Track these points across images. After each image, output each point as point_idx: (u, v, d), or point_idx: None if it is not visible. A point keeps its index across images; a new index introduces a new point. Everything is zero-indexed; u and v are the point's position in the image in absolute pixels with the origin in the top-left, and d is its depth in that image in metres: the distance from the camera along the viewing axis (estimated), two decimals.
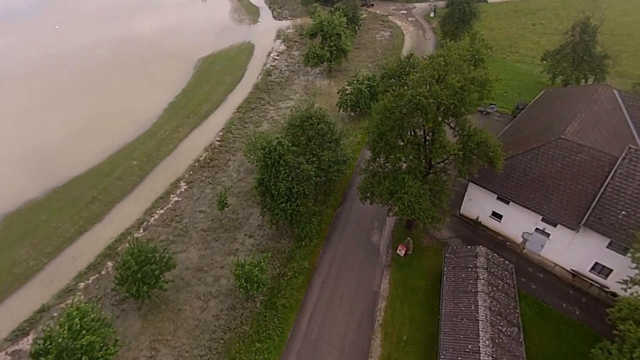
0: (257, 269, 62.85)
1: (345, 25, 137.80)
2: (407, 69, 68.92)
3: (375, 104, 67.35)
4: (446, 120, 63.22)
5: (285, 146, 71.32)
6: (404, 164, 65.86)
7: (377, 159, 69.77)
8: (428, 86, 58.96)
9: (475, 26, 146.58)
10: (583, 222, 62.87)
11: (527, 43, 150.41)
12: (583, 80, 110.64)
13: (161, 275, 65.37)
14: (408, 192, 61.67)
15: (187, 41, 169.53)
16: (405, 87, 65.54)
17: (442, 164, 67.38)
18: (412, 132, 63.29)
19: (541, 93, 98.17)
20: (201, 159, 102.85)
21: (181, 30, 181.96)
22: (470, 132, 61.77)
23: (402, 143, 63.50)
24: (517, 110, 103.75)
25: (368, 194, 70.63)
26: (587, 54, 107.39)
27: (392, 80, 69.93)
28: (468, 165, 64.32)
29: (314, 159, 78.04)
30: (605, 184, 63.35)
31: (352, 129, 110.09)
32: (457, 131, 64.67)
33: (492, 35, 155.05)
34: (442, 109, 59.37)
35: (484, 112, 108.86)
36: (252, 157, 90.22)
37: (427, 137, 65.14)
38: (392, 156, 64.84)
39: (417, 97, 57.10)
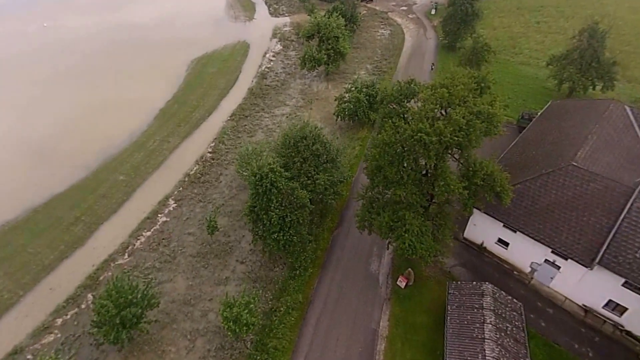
0: (246, 311, 58.03)
1: (344, 26, 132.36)
2: (408, 93, 63.81)
3: (374, 137, 62.59)
4: (450, 152, 58.37)
5: (277, 172, 66.30)
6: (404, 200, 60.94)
7: (376, 187, 65.14)
8: (430, 120, 54.25)
9: (478, 25, 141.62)
10: (597, 260, 58.23)
11: (531, 43, 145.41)
12: (590, 88, 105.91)
13: (143, 315, 60.65)
14: (409, 231, 57.13)
15: (179, 40, 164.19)
16: (405, 117, 60.94)
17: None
18: (414, 164, 57.93)
19: (548, 105, 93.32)
20: (191, 173, 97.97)
21: (173, 27, 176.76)
22: (476, 167, 56.95)
23: (402, 175, 58.50)
24: (522, 120, 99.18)
25: (366, 224, 66.03)
26: (595, 60, 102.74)
27: (392, 106, 64.95)
28: (473, 200, 59.75)
29: (309, 182, 73.40)
30: (621, 218, 58.75)
31: (349, 139, 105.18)
32: (462, 163, 59.98)
33: (495, 35, 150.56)
34: (445, 145, 54.68)
35: None
36: (244, 173, 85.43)
37: (430, 170, 60.28)
38: (391, 191, 60.19)
39: (419, 133, 52.39)
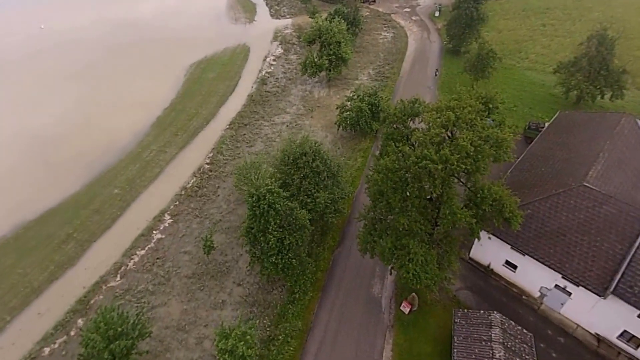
0: (242, 342, 55.04)
1: (346, 30, 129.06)
2: (412, 113, 60.95)
3: (376, 160, 59.52)
4: (456, 175, 55.15)
5: (275, 193, 63.18)
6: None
7: (378, 209, 61.94)
8: (436, 146, 51.16)
9: (482, 28, 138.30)
10: (611, 289, 55.12)
11: (537, 47, 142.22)
12: (599, 96, 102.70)
13: (134, 346, 57.58)
14: (413, 260, 54.12)
15: (178, 44, 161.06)
16: (409, 139, 57.93)
17: None
18: (418, 191, 54.37)
19: (556, 116, 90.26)
20: (188, 186, 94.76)
21: (172, 30, 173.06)
22: (484, 193, 53.63)
23: (406, 203, 55.21)
24: (529, 131, 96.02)
25: (368, 247, 62.94)
26: (604, 68, 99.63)
27: (395, 127, 62.06)
28: (481, 224, 56.58)
29: (309, 200, 70.55)
30: (637, 245, 55.70)
31: (351, 150, 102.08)
32: (469, 188, 56.79)
33: (500, 38, 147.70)
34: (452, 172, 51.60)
35: None
36: (242, 188, 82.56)
37: (435, 195, 57.02)
38: (393, 217, 57.13)
39: (423, 160, 49.30)
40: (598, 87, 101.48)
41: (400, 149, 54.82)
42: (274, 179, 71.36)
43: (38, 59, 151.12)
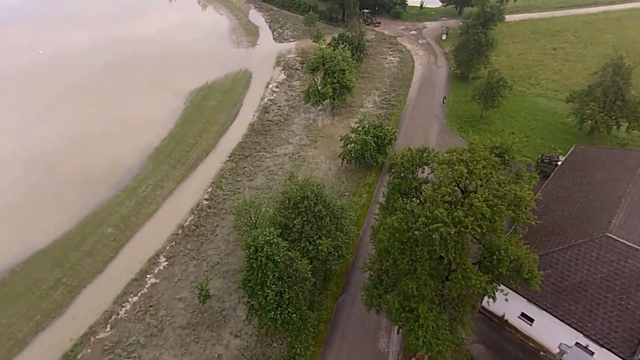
0: None
1: (350, 56, 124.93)
2: (420, 162, 56.90)
3: (382, 216, 55.13)
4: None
5: (274, 245, 58.67)
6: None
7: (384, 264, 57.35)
8: (448, 205, 46.68)
9: (492, 53, 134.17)
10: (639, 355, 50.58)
11: (548, 72, 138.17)
12: (615, 127, 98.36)
13: None
14: (422, 326, 49.55)
15: (178, 70, 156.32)
16: (418, 193, 53.70)
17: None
18: (428, 255, 49.60)
19: (571, 150, 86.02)
20: (186, 224, 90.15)
21: (172, 55, 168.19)
22: (500, 255, 48.86)
23: (415, 266, 50.49)
24: (542, 164, 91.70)
25: (374, 302, 58.59)
26: (620, 99, 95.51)
27: (402, 177, 58.03)
28: (497, 284, 51.99)
29: (311, 247, 66.15)
30: None
31: (356, 184, 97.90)
32: (484, 246, 52.16)
33: (510, 63, 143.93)
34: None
35: None
36: (242, 228, 78.38)
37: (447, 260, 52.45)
38: (401, 278, 52.60)
39: (434, 223, 44.70)
40: (613, 117, 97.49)
41: (408, 205, 50.43)
42: (274, 225, 66.83)
43: (33, 86, 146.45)
